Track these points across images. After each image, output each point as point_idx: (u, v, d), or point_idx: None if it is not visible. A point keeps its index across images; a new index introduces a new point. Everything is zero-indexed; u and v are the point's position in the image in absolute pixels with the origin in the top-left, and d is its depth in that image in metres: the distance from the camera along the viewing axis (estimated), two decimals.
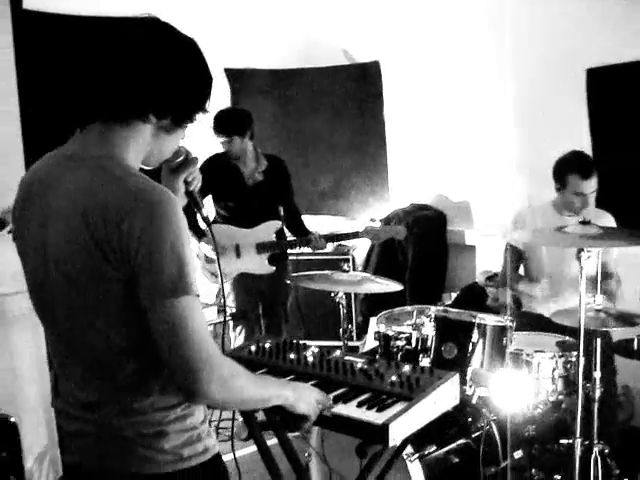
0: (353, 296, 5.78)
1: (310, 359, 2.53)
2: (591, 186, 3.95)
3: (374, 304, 5.09)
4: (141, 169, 1.85)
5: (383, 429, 2.03)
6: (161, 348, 1.67)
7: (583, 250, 3.06)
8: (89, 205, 1.67)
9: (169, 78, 1.77)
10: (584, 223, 3.14)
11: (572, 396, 3.48)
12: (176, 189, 2.04)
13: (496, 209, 4.93)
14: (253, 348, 2.70)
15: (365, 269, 5.92)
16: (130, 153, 1.78)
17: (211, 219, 4.89)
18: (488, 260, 5.06)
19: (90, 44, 1.82)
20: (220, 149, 4.79)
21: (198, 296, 1.70)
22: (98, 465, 1.84)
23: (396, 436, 2.05)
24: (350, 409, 2.17)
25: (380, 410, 2.14)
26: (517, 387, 3.32)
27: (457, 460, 3.33)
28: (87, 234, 1.66)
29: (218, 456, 1.91)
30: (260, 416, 2.82)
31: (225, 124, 4.66)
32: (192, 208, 2.23)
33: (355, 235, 4.70)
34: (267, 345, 2.70)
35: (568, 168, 3.99)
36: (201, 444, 1.84)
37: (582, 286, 3.11)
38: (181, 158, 2.02)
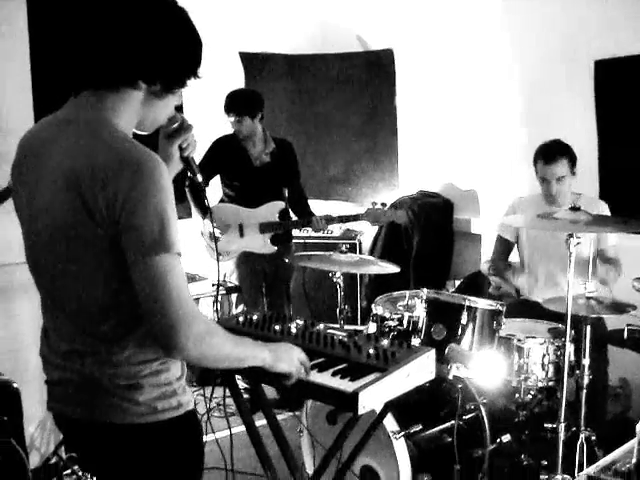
0: (358, 280, 5.84)
1: (293, 330, 2.59)
2: (554, 172, 3.98)
3: (379, 289, 5.13)
4: (137, 135, 1.91)
5: (353, 397, 2.08)
6: (142, 303, 1.75)
7: (572, 236, 3.10)
8: (77, 166, 1.73)
9: (156, 43, 1.81)
10: (573, 209, 3.17)
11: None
12: (171, 154, 2.11)
13: (503, 199, 4.93)
14: (241, 319, 2.76)
15: (371, 254, 5.96)
16: (121, 118, 1.84)
17: (218, 199, 4.97)
18: (491, 249, 5.07)
19: (79, 11, 1.88)
20: (229, 131, 4.86)
21: (179, 255, 1.76)
22: (78, 413, 1.92)
23: (366, 404, 2.10)
24: (324, 377, 2.22)
25: (353, 380, 2.19)
26: (496, 367, 3.36)
27: (449, 440, 3.37)
28: (74, 193, 1.73)
29: (192, 412, 1.98)
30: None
31: (237, 104, 4.74)
32: (197, 186, 2.30)
33: (356, 217, 4.73)
34: (254, 317, 2.77)
35: (536, 156, 4.06)
36: (175, 399, 1.91)
37: (570, 272, 3.15)
38: (176, 124, 2.08)
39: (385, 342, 2.45)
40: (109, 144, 1.75)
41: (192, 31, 1.89)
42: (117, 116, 1.83)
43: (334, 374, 2.25)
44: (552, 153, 4.00)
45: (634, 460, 1.57)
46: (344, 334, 2.54)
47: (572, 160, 4.01)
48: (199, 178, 2.23)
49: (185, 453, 1.98)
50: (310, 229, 5.32)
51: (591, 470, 1.69)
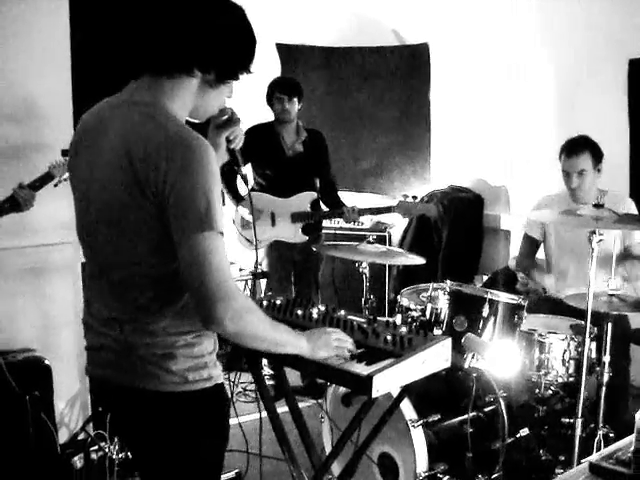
0: (387, 272, 5.89)
1: (315, 316, 2.66)
2: (575, 165, 4.00)
3: (406, 282, 5.17)
4: (189, 122, 2.02)
5: (367, 380, 2.14)
6: (185, 277, 1.85)
7: (595, 232, 3.12)
8: (132, 145, 1.86)
9: (213, 34, 1.94)
10: (597, 206, 3.19)
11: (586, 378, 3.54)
12: (219, 144, 2.27)
13: (533, 196, 4.94)
14: (265, 303, 2.83)
15: (400, 246, 6.00)
16: (175, 103, 1.97)
17: (250, 187, 5.04)
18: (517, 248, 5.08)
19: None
20: (262, 120, 4.95)
21: (222, 234, 1.87)
22: (114, 377, 2.04)
23: (380, 388, 2.16)
24: (340, 360, 2.28)
25: (369, 364, 2.24)
26: (512, 359, 3.39)
27: (471, 430, 3.41)
28: (129, 171, 1.85)
29: (221, 386, 2.09)
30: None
31: (290, 84, 4.89)
32: (233, 171, 2.41)
33: (388, 209, 4.77)
34: (278, 302, 2.84)
35: (560, 149, 4.09)
36: (206, 371, 2.03)
37: (592, 268, 3.17)
38: (226, 116, 2.22)
39: (403, 329, 2.51)
40: (163, 125, 1.87)
41: (247, 28, 2.01)
42: (172, 101, 1.96)
43: (351, 358, 2.30)
44: (575, 147, 4.03)
45: (632, 448, 1.61)
46: (363, 320, 2.60)
47: (596, 156, 4.02)
48: (243, 171, 2.36)
49: (212, 423, 2.09)
50: (341, 220, 5.40)
51: (593, 458, 1.73)
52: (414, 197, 4.72)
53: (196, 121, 2.09)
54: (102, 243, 2.00)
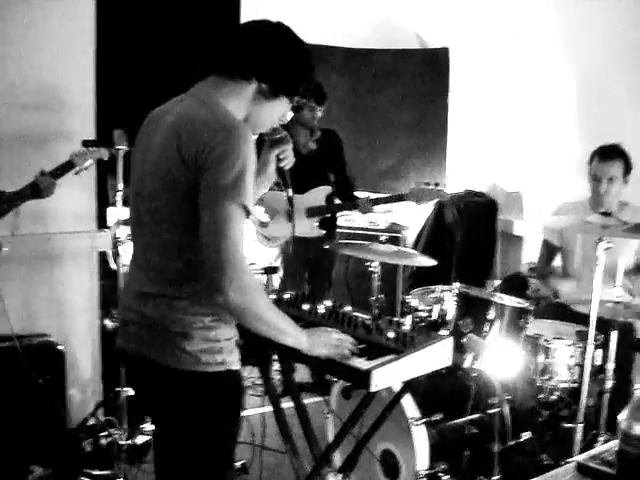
0: (400, 274, 5.92)
1: (321, 311, 2.71)
2: (607, 171, 4.01)
3: (418, 283, 5.20)
4: None
5: (366, 375, 2.20)
6: (203, 242, 1.98)
7: (602, 240, 3.15)
8: (181, 122, 2.06)
9: (275, 52, 2.16)
10: (605, 214, 3.22)
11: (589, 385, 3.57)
12: (269, 162, 2.47)
13: (547, 202, 4.97)
14: (273, 297, 2.89)
15: (414, 248, 6.04)
16: (231, 104, 2.15)
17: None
18: (535, 252, 5.10)
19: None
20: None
21: (248, 213, 1.99)
22: (137, 351, 2.18)
23: (379, 383, 2.21)
24: (340, 354, 2.33)
25: (369, 359, 2.30)
26: (513, 362, 3.42)
27: (475, 431, 3.46)
28: (175, 143, 2.02)
29: (235, 373, 2.18)
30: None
31: (324, 94, 4.91)
32: (288, 199, 2.54)
33: (400, 197, 4.79)
34: (286, 296, 2.89)
35: (592, 154, 4.11)
36: (220, 356, 2.12)
37: (598, 276, 3.20)
38: (279, 135, 2.40)
39: (406, 327, 2.56)
40: (211, 110, 2.07)
41: (306, 58, 2.24)
42: (227, 100, 2.14)
43: (352, 354, 2.35)
44: (609, 152, 4.06)
45: (616, 448, 1.66)
46: (368, 317, 2.65)
47: (627, 166, 4.05)
48: (290, 192, 2.45)
49: (221, 407, 2.17)
50: (356, 219, 5.45)
51: (580, 457, 1.77)
52: (427, 183, 4.72)
53: None
54: (144, 216, 2.14)
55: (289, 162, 2.49)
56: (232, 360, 2.16)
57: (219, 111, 2.06)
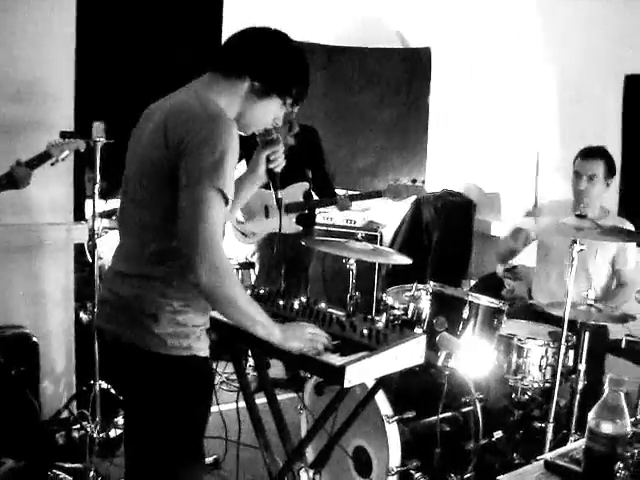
0: (377, 272, 5.94)
1: (296, 307, 2.72)
2: (588, 168, 4.08)
3: (395, 282, 5.23)
4: None
5: (340, 370, 2.21)
6: (179, 222, 2.00)
7: (576, 242, 3.18)
8: (170, 113, 2.10)
9: (269, 52, 2.21)
10: (580, 216, 3.25)
11: (562, 385, 3.61)
12: (260, 162, 2.51)
13: (524, 204, 5.02)
14: (249, 292, 2.88)
15: (391, 247, 6.06)
16: (222, 100, 2.18)
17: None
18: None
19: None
20: None
21: (226, 201, 2.02)
22: (111, 330, 2.22)
23: (352, 379, 2.23)
24: (316, 351, 2.34)
25: (343, 355, 2.32)
26: (485, 360, 3.45)
27: (448, 429, 3.48)
28: (162, 131, 2.07)
29: (202, 359, 2.20)
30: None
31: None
32: (277, 201, 2.54)
33: (378, 194, 4.80)
34: (261, 291, 2.90)
35: (577, 154, 4.18)
36: (186, 341, 2.14)
37: (571, 278, 3.23)
38: (272, 137, 2.45)
39: (380, 324, 2.57)
40: (200, 102, 2.11)
41: (301, 61, 2.29)
42: (220, 96, 2.18)
43: (326, 350, 2.36)
44: (592, 151, 4.13)
45: (583, 446, 1.68)
46: (342, 314, 2.67)
47: (609, 168, 4.11)
48: (279, 194, 2.45)
49: (186, 391, 2.18)
50: (334, 217, 5.46)
51: (549, 455, 1.80)
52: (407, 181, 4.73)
53: (241, 133, 2.22)
54: (127, 200, 2.21)
55: (279, 164, 2.52)
56: (199, 347, 2.18)
57: (208, 104, 2.10)
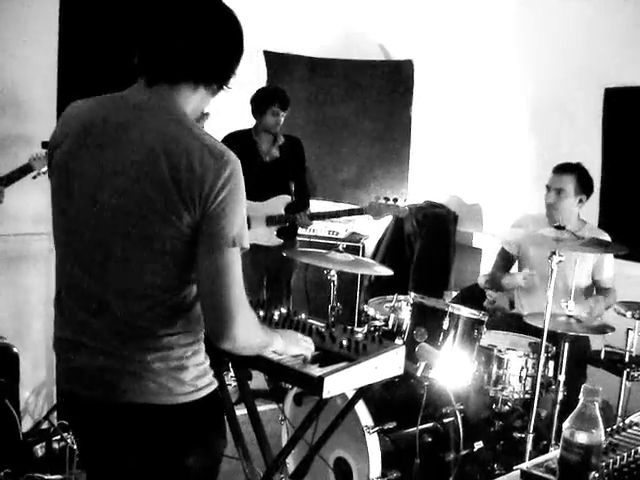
0: (359, 283, 5.96)
1: (276, 317, 2.73)
2: (556, 182, 4.16)
3: (377, 293, 5.25)
4: None
5: (319, 381, 2.21)
6: (203, 290, 1.89)
7: (555, 253, 3.21)
8: (174, 150, 1.83)
9: (216, 51, 1.98)
10: (558, 228, 3.28)
11: (543, 396, 3.63)
12: None
13: (506, 216, 5.05)
14: None
15: (374, 258, 6.08)
16: (188, 109, 1.99)
17: None
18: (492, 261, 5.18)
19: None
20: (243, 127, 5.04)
21: (245, 249, 1.90)
22: (111, 398, 1.95)
23: (331, 389, 2.23)
24: (295, 361, 2.34)
25: (322, 366, 2.32)
26: (464, 371, 3.47)
27: (429, 440, 3.49)
28: (169, 175, 1.81)
29: (216, 387, 2.12)
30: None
31: (287, 100, 4.97)
32: None
33: (360, 211, 4.82)
34: None
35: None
36: (207, 377, 2.05)
37: (550, 289, 3.26)
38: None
39: (359, 335, 2.58)
40: (199, 135, 1.89)
41: (241, 34, 2.05)
42: (187, 106, 1.98)
43: (304, 361, 2.36)
44: (563, 166, 4.20)
45: (558, 456, 1.69)
46: (322, 325, 2.67)
47: (581, 184, 4.15)
48: None
49: (216, 425, 2.13)
50: (317, 228, 5.47)
51: (525, 465, 1.81)
52: (386, 198, 4.77)
53: None
54: (113, 250, 1.90)
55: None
56: (213, 377, 2.09)
57: (206, 138, 1.89)
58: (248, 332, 1.96)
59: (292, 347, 2.31)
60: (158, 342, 1.93)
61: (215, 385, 2.08)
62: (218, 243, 1.84)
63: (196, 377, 2.00)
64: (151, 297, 1.91)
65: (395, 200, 4.69)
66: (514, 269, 4.56)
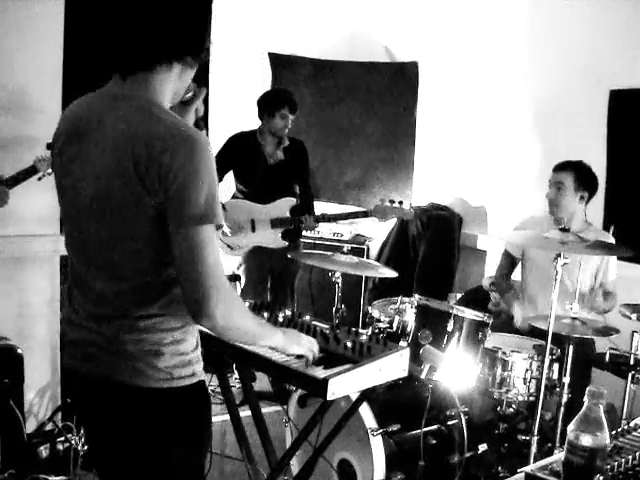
0: (363, 285, 5.96)
1: (280, 319, 2.73)
2: (556, 178, 4.19)
3: (381, 295, 5.24)
4: None
5: (323, 383, 2.22)
6: (179, 270, 1.89)
7: (560, 256, 3.21)
8: (133, 138, 1.86)
9: (193, 20, 2.01)
10: (563, 230, 3.28)
11: (547, 398, 3.62)
12: (189, 120, 2.25)
13: (511, 218, 5.03)
14: None
15: (378, 260, 6.08)
16: (166, 94, 2.01)
17: (230, 195, 5.13)
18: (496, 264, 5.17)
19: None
20: (249, 127, 5.04)
21: (220, 227, 1.92)
22: (94, 371, 2.03)
23: (335, 391, 2.24)
24: (299, 363, 2.36)
25: (326, 368, 2.33)
26: (468, 373, 3.46)
27: (433, 442, 3.48)
28: (130, 163, 1.85)
29: (203, 382, 2.11)
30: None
31: (295, 103, 4.98)
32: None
33: (365, 214, 4.84)
34: (246, 304, 2.90)
35: None
36: (190, 368, 2.04)
37: (555, 291, 3.25)
38: (192, 91, 2.23)
39: (363, 337, 2.58)
40: (162, 120, 1.89)
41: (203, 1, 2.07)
42: (163, 93, 2.00)
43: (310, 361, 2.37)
44: (562, 164, 4.23)
45: (562, 459, 1.69)
46: (327, 327, 2.68)
47: (580, 180, 4.16)
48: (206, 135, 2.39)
49: (195, 419, 2.10)
50: (321, 230, 5.48)
51: (529, 468, 1.80)
52: (391, 201, 4.77)
53: (169, 105, 2.11)
54: (94, 237, 1.99)
55: (202, 109, 2.31)
56: (200, 370, 2.10)
57: (170, 120, 1.91)
58: (229, 312, 1.91)
59: (293, 346, 2.30)
60: (135, 323, 1.97)
61: (198, 378, 2.06)
62: (184, 221, 1.84)
63: (173, 366, 1.99)
64: (129, 279, 1.96)
65: (401, 203, 4.70)
66: (517, 272, 4.57)
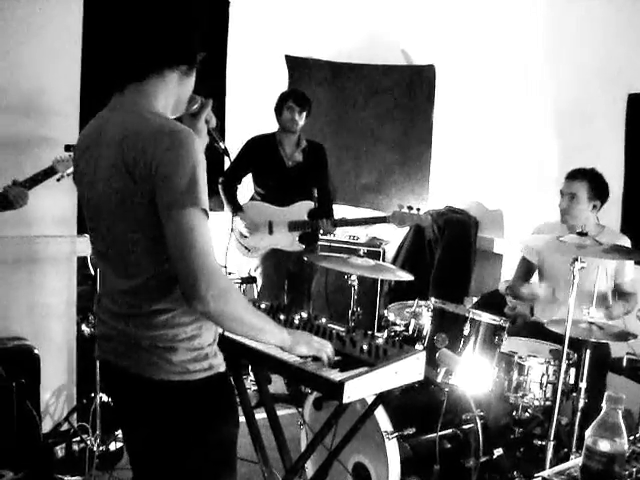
0: (379, 288, 5.95)
1: (296, 321, 2.73)
2: (568, 187, 4.15)
3: (397, 298, 5.24)
4: None
5: (339, 386, 2.22)
6: (171, 254, 1.95)
7: (577, 260, 3.19)
8: (126, 137, 1.98)
9: (186, 27, 2.14)
10: (581, 234, 3.26)
11: (564, 403, 3.60)
12: (200, 130, 2.32)
13: (527, 222, 5.01)
14: None
15: (394, 263, 6.06)
16: (159, 101, 2.11)
17: (249, 197, 5.14)
18: (513, 270, 5.16)
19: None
20: (266, 130, 5.06)
21: (206, 213, 1.96)
22: (121, 364, 2.14)
23: (351, 394, 2.23)
24: (315, 366, 2.35)
25: (342, 370, 2.32)
26: (484, 377, 3.45)
27: (449, 446, 3.47)
28: (120, 160, 1.98)
29: (223, 374, 2.16)
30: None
31: (303, 97, 5.02)
32: (232, 181, 2.44)
33: (383, 219, 4.82)
34: (262, 306, 2.91)
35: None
36: (206, 362, 2.10)
37: (572, 295, 3.23)
38: (198, 103, 2.30)
39: (380, 340, 2.58)
40: (149, 120, 2.02)
41: (187, 7, 2.16)
42: (156, 101, 2.11)
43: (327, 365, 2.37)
44: (576, 172, 4.17)
45: (580, 464, 1.68)
46: (343, 329, 2.67)
47: (594, 190, 4.11)
48: (222, 146, 2.42)
49: (215, 410, 2.15)
50: (337, 233, 5.48)
51: (546, 473, 1.79)
52: (409, 207, 4.77)
53: (175, 116, 2.20)
54: (106, 235, 2.12)
55: (213, 120, 2.38)
56: (219, 362, 2.15)
57: (155, 118, 2.03)
58: (221, 297, 1.94)
59: (301, 346, 2.30)
60: (148, 321, 2.06)
61: (216, 371, 2.12)
62: (168, 205, 1.92)
63: (188, 360, 2.06)
64: (138, 276, 2.06)
65: (418, 209, 4.70)
66: (534, 278, 4.54)
